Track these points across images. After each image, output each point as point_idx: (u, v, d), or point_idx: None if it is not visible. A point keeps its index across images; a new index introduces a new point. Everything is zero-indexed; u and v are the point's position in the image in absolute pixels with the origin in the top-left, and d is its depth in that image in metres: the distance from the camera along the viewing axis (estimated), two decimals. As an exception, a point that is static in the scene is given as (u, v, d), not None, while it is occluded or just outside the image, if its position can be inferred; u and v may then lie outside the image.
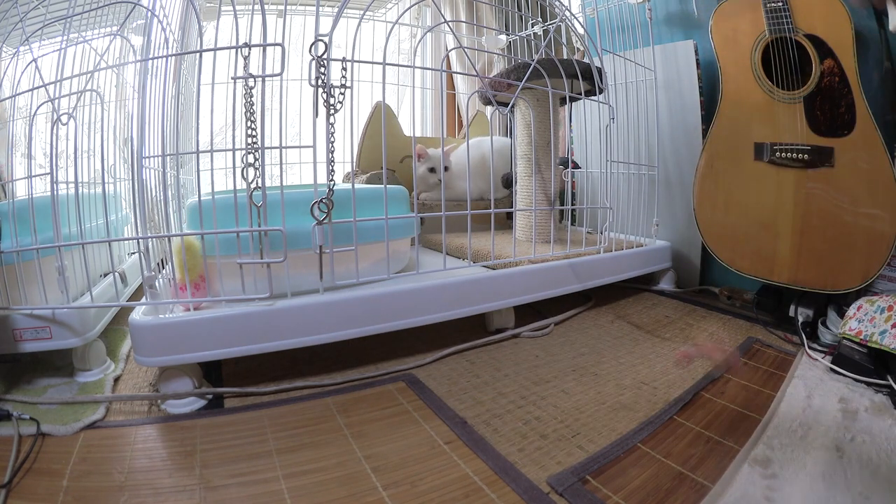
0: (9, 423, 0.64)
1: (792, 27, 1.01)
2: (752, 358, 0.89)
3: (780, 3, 1.02)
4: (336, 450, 0.61)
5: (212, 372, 0.83)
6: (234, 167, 0.74)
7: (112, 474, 0.56)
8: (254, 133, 0.74)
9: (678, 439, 0.63)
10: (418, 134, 1.88)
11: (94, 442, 0.63)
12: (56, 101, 0.75)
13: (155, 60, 0.77)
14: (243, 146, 0.74)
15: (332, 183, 0.79)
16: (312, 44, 0.73)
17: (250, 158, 0.73)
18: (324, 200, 0.77)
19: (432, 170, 1.38)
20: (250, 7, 0.82)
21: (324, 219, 0.78)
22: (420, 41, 1.91)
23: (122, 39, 0.85)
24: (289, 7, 1.55)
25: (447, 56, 1.96)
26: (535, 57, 1.04)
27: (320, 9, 0.75)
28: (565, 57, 1.11)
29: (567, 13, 1.28)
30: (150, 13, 0.75)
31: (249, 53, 0.72)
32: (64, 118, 0.74)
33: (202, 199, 0.74)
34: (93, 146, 0.95)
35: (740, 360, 0.50)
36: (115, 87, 1.13)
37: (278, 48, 0.71)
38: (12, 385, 0.77)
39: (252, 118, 0.74)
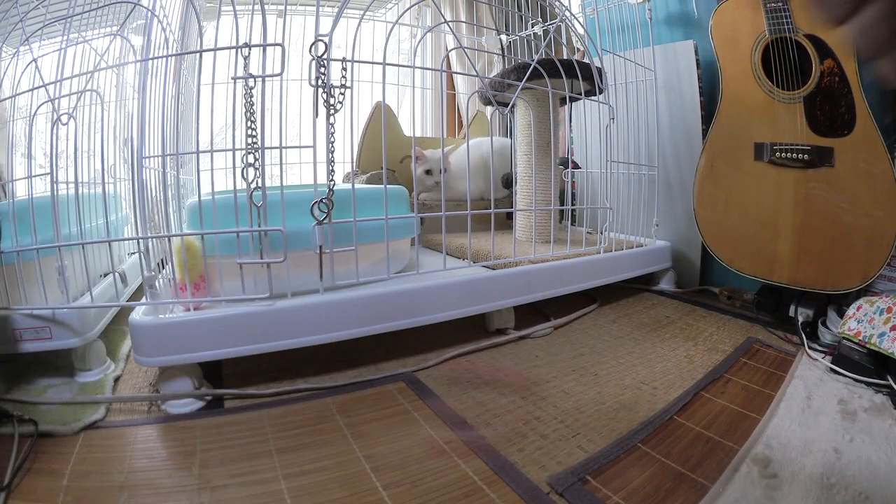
0: (9, 424, 0.64)
1: (792, 27, 1.01)
2: (752, 358, 0.89)
3: (780, 3, 1.02)
4: (336, 450, 0.61)
5: (212, 372, 0.83)
6: (234, 167, 0.74)
7: (112, 474, 0.56)
8: (254, 133, 0.74)
9: (678, 439, 0.63)
10: (418, 134, 1.88)
11: (94, 442, 0.63)
12: (56, 101, 0.75)
13: (155, 60, 0.77)
14: (243, 146, 0.74)
15: (332, 183, 0.79)
16: (312, 44, 0.73)
17: (250, 158, 0.73)
18: (324, 200, 0.77)
19: (429, 172, 1.37)
20: (250, 7, 0.82)
21: (324, 219, 0.78)
22: (420, 41, 1.91)
23: (122, 39, 0.85)
24: (289, 7, 1.55)
25: (447, 56, 1.96)
26: (536, 57, 1.04)
27: (320, 9, 0.75)
28: (565, 57, 1.11)
29: (567, 13, 1.28)
30: (150, 13, 0.75)
31: (249, 53, 0.72)
32: (64, 118, 0.74)
33: (202, 199, 0.74)
34: (93, 146, 0.95)
35: None
36: (115, 87, 1.13)
37: (278, 48, 0.71)
38: (12, 385, 0.77)
39: (252, 118, 0.74)
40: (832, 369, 0.82)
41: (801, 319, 1.00)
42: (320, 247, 0.79)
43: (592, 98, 1.18)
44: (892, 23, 0.26)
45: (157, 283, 0.76)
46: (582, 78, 1.06)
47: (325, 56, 0.73)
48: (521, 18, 1.66)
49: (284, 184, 0.77)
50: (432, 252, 1.29)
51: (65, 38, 0.78)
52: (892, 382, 0.74)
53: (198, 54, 0.75)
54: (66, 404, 0.71)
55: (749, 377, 0.81)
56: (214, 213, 0.75)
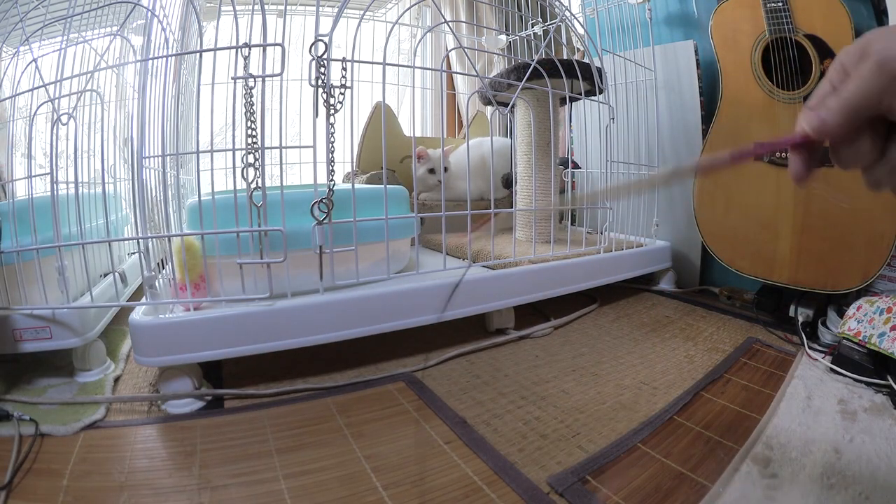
0: (9, 424, 0.64)
1: (792, 27, 1.01)
2: (752, 358, 0.89)
3: (780, 3, 1.02)
4: (336, 450, 0.61)
5: (212, 372, 0.83)
6: (234, 167, 0.74)
7: (112, 474, 0.56)
8: (254, 133, 0.74)
9: (678, 439, 0.63)
10: (418, 134, 1.88)
11: (94, 442, 0.63)
12: (56, 101, 0.75)
13: (155, 60, 0.77)
14: (243, 146, 0.74)
15: (332, 183, 0.79)
16: (312, 44, 0.73)
17: (250, 158, 0.73)
18: (324, 200, 0.77)
19: (432, 171, 1.38)
20: (250, 7, 0.82)
21: (324, 219, 0.78)
22: (420, 41, 1.91)
23: (122, 39, 0.85)
24: (289, 7, 1.55)
25: (447, 56, 1.96)
26: (536, 57, 1.04)
27: (320, 9, 0.75)
28: (565, 57, 1.11)
29: (567, 13, 1.28)
30: (150, 13, 0.75)
31: (249, 53, 0.72)
32: (64, 118, 0.74)
33: (202, 199, 0.74)
34: (93, 146, 0.95)
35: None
36: (115, 87, 1.13)
37: (278, 48, 0.71)
38: (12, 385, 0.77)
39: (252, 118, 0.74)
40: (832, 369, 0.82)
41: (801, 319, 1.00)
42: (320, 247, 0.79)
43: (592, 98, 1.18)
44: None
45: (157, 283, 0.76)
46: (582, 78, 1.06)
47: (325, 56, 0.73)
48: (521, 18, 1.66)
49: (284, 184, 0.77)
50: (432, 252, 1.29)
51: (65, 38, 0.78)
52: (892, 382, 0.74)
53: (198, 54, 0.75)
54: (66, 404, 0.71)
55: (749, 377, 0.81)
56: (214, 213, 0.75)
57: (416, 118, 2.00)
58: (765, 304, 1.12)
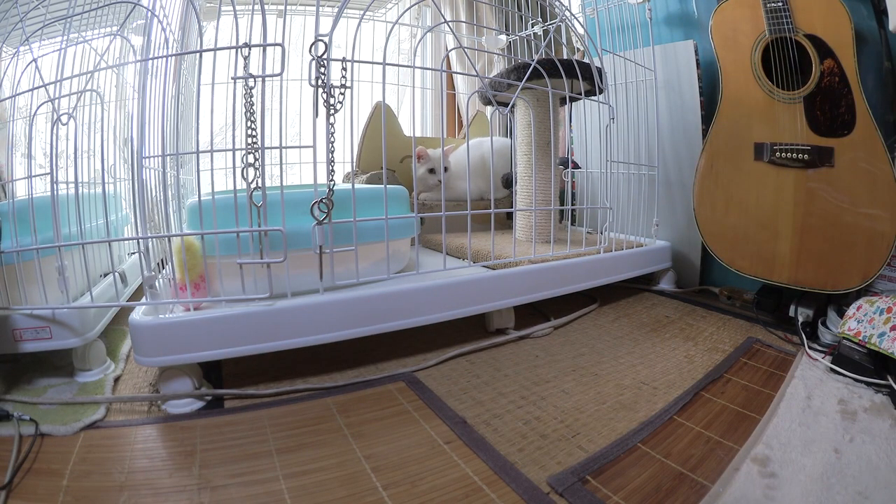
0: (9, 424, 0.64)
1: (792, 27, 1.01)
2: (752, 358, 0.89)
3: (780, 3, 1.02)
4: (336, 450, 0.61)
5: (212, 372, 0.83)
6: (234, 167, 0.74)
7: (112, 474, 0.56)
8: (254, 133, 0.74)
9: (678, 439, 0.63)
10: (418, 134, 1.88)
11: (94, 442, 0.63)
12: (56, 101, 0.75)
13: (155, 60, 0.77)
14: (243, 146, 0.74)
15: (332, 183, 0.79)
16: (312, 44, 0.73)
17: (250, 158, 0.73)
18: (324, 200, 0.77)
19: (432, 171, 1.38)
20: (250, 7, 0.82)
21: (324, 219, 0.78)
22: (420, 41, 1.91)
23: (122, 39, 0.85)
24: (289, 7, 1.55)
25: (447, 56, 1.96)
26: (536, 57, 1.04)
27: (320, 9, 0.75)
28: (565, 57, 1.11)
29: (567, 13, 1.28)
30: (150, 13, 0.75)
31: (249, 53, 0.72)
32: (64, 118, 0.74)
33: (202, 199, 0.74)
34: (93, 146, 0.95)
35: None
36: (115, 87, 1.13)
37: (278, 48, 0.71)
38: (12, 385, 0.77)
39: (252, 118, 0.74)
40: (832, 369, 0.82)
41: (801, 319, 1.00)
42: (320, 247, 0.79)
43: (592, 98, 1.18)
44: None
45: (157, 283, 0.76)
46: (582, 78, 1.06)
47: (325, 56, 0.73)
48: (521, 18, 1.66)
49: (284, 184, 0.77)
50: (432, 252, 1.29)
51: (65, 38, 0.78)
52: (892, 382, 0.74)
53: (198, 54, 0.75)
54: (66, 404, 0.71)
55: (749, 377, 0.81)
56: (214, 213, 0.75)
57: (416, 118, 2.00)
58: (765, 304, 1.12)
